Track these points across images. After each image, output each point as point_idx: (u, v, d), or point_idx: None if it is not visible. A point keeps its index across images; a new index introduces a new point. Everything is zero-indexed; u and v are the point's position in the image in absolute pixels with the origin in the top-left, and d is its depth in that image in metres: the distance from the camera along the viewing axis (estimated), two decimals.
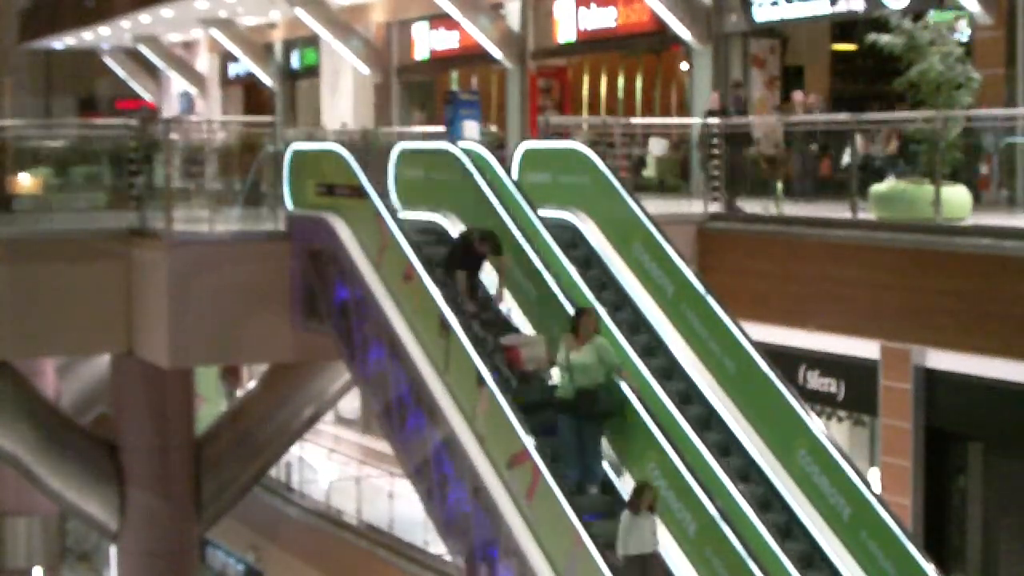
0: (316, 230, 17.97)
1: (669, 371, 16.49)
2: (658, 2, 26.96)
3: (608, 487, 14.93)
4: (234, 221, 19.76)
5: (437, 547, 23.53)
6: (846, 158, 20.97)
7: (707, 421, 15.99)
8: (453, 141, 19.57)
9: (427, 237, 17.78)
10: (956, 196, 18.08)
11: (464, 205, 17.86)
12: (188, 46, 50.95)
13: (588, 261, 17.95)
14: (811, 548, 14.87)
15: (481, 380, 14.52)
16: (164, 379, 20.00)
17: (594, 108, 33.12)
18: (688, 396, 16.24)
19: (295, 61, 43.72)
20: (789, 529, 15.02)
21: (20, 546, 28.97)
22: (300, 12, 37.87)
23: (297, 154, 19.25)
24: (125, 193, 20.77)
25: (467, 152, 18.03)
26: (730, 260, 19.47)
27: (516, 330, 16.34)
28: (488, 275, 16.80)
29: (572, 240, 18.21)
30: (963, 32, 19.99)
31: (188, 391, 21.15)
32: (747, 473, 15.47)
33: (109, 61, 53.99)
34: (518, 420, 14.02)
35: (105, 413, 23.81)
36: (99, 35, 49.75)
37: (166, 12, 43.00)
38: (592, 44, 31.31)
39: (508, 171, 18.48)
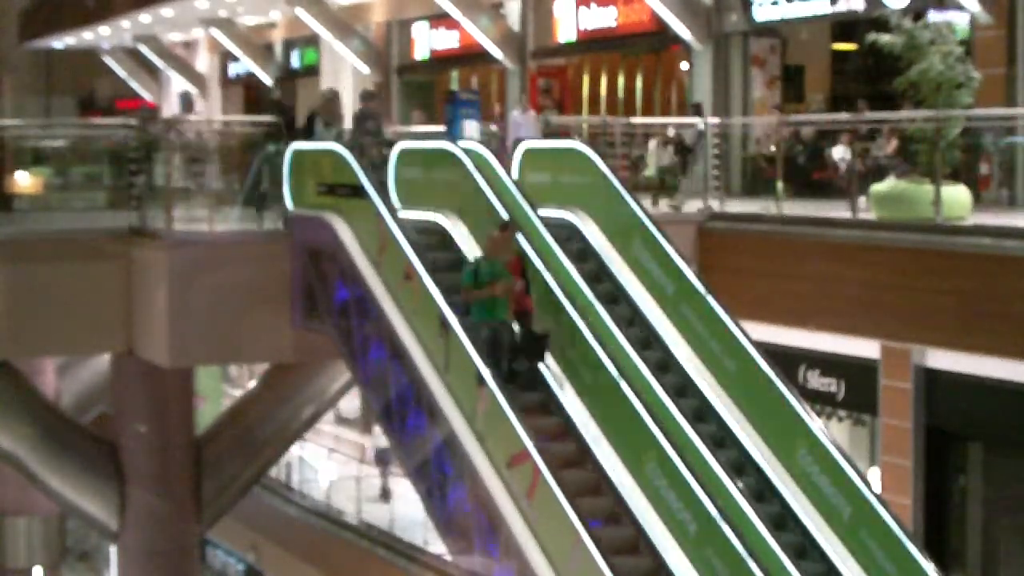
0: (316, 230, 17.96)
1: (668, 369, 16.49)
2: (658, 2, 26.96)
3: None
4: (234, 221, 19.76)
5: (437, 547, 23.52)
6: (836, 154, 21.01)
7: (707, 420, 15.98)
8: (453, 141, 19.57)
9: (427, 237, 17.77)
10: (956, 196, 18.07)
11: (464, 205, 17.86)
12: (188, 46, 50.95)
13: (588, 260, 17.94)
14: (811, 547, 14.87)
15: (481, 380, 14.52)
16: (164, 379, 19.99)
17: (594, 108, 33.10)
18: (687, 395, 16.23)
19: (295, 61, 43.73)
20: (788, 527, 15.02)
21: (20, 546, 28.95)
22: (300, 12, 37.87)
23: (297, 154, 19.24)
24: (125, 193, 20.77)
25: (467, 152, 18.03)
26: (730, 260, 19.46)
27: None
28: None
29: (572, 239, 18.20)
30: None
31: (188, 391, 21.14)
32: (747, 472, 15.47)
33: (109, 61, 53.98)
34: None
35: (105, 413, 23.79)
36: (99, 35, 49.75)
37: (166, 12, 43.01)
38: (592, 44, 31.31)
39: (508, 171, 18.49)
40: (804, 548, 14.83)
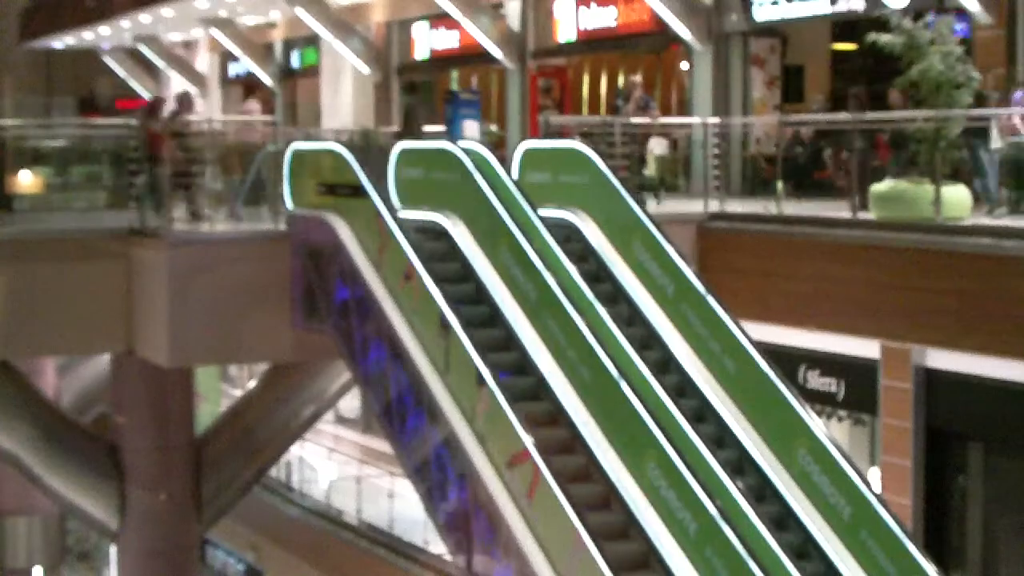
0: (316, 229, 17.97)
1: (668, 369, 16.49)
2: (658, 2, 26.95)
3: None
4: (234, 221, 19.77)
5: (437, 547, 23.53)
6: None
7: (707, 420, 15.98)
8: (453, 140, 19.57)
9: (427, 237, 17.76)
10: (956, 196, 18.07)
11: (464, 205, 17.85)
12: (188, 46, 50.95)
13: (587, 260, 17.93)
14: (811, 548, 14.87)
15: (481, 380, 14.53)
16: (164, 379, 20.00)
17: (594, 108, 33.09)
18: (687, 395, 16.23)
19: (295, 61, 43.73)
20: (789, 528, 15.02)
21: (20, 546, 28.97)
22: (300, 12, 37.86)
23: (297, 154, 19.25)
24: (125, 193, 20.78)
25: (467, 152, 18.03)
26: (730, 260, 19.47)
27: None
28: None
29: (572, 239, 18.19)
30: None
31: (188, 391, 21.15)
32: (747, 472, 15.47)
33: (109, 61, 53.98)
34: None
35: (105, 413, 23.80)
36: (99, 35, 49.73)
37: (166, 12, 42.99)
38: (592, 44, 31.31)
39: (508, 171, 18.47)
40: (807, 551, 14.85)
